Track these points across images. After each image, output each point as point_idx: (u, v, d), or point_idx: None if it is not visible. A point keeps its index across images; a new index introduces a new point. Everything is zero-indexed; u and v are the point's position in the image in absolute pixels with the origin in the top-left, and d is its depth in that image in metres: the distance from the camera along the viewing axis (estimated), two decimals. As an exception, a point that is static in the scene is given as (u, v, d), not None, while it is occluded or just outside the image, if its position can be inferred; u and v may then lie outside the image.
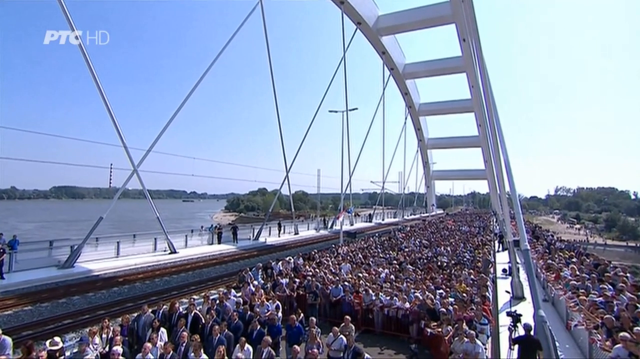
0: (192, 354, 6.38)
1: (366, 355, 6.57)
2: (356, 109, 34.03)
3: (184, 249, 23.16)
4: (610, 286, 10.02)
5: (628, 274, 11.77)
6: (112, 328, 7.52)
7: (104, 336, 7.29)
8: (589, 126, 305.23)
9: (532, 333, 7.19)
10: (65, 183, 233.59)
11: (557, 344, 7.53)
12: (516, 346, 7.13)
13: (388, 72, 49.79)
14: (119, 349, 5.96)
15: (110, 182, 23.55)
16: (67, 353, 6.81)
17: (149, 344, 6.47)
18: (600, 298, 8.93)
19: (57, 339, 6.15)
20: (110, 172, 22.51)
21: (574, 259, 15.17)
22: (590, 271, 12.67)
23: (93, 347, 6.65)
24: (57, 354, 5.94)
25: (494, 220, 43.99)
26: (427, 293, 10.56)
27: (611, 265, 13.91)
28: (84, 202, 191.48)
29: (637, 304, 7.93)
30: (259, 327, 7.85)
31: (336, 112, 32.34)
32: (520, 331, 7.34)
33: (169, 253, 21.38)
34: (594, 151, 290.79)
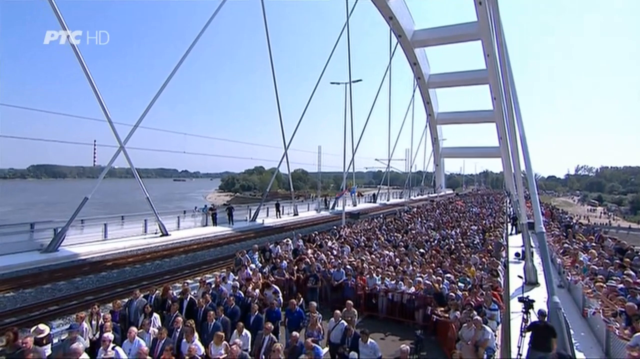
0: (184, 339, 6.51)
1: (370, 340, 6.70)
2: (360, 80, 33.51)
3: (177, 231, 23.35)
4: (632, 272, 10.08)
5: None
6: (102, 314, 7.65)
7: (93, 322, 7.40)
8: (615, 100, 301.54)
9: (546, 319, 7.26)
10: (44, 161, 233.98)
11: (571, 332, 7.66)
12: (528, 333, 7.21)
13: (395, 39, 48.66)
14: (110, 335, 6.06)
15: (94, 160, 23.49)
16: (55, 340, 6.95)
17: (134, 329, 6.52)
18: (621, 284, 9.01)
19: (41, 326, 6.25)
20: (94, 149, 22.39)
21: (593, 244, 15.27)
22: (611, 255, 12.76)
23: (83, 334, 6.79)
24: (44, 341, 6.06)
25: (508, 201, 44.15)
26: (434, 276, 10.71)
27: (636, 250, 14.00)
28: (65, 182, 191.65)
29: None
30: (257, 312, 7.99)
31: (338, 84, 31.93)
32: (533, 318, 7.43)
33: (160, 236, 21.55)
34: (621, 126, 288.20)
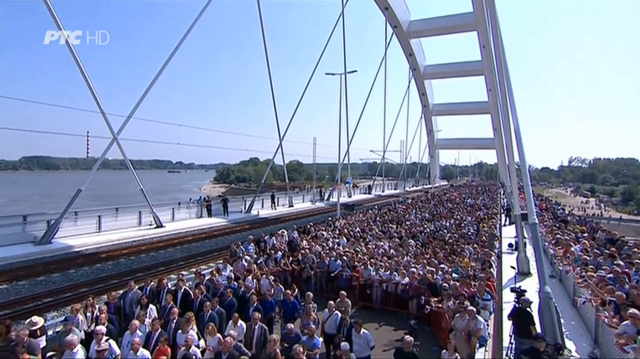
0: (180, 330, 6.54)
1: (363, 330, 6.76)
2: (355, 71, 33.43)
3: (171, 222, 23.31)
4: (622, 262, 10.23)
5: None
6: (97, 306, 7.65)
7: (88, 314, 7.40)
8: (609, 92, 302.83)
9: (529, 307, 7.38)
10: (36, 153, 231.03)
11: (562, 320, 7.80)
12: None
13: (391, 30, 48.40)
14: (102, 328, 6.05)
15: (87, 152, 23.27)
16: (50, 332, 6.95)
17: (136, 322, 6.60)
18: (610, 274, 9.15)
19: (34, 318, 6.24)
20: (87, 140, 22.17)
21: (585, 234, 15.45)
22: (600, 246, 12.93)
23: (78, 325, 6.79)
24: (38, 333, 6.06)
25: (502, 192, 44.46)
26: (427, 267, 10.81)
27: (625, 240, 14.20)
28: (58, 173, 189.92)
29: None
30: (255, 303, 8.04)
31: (334, 75, 31.71)
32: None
33: (155, 227, 21.51)
34: (614, 118, 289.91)
